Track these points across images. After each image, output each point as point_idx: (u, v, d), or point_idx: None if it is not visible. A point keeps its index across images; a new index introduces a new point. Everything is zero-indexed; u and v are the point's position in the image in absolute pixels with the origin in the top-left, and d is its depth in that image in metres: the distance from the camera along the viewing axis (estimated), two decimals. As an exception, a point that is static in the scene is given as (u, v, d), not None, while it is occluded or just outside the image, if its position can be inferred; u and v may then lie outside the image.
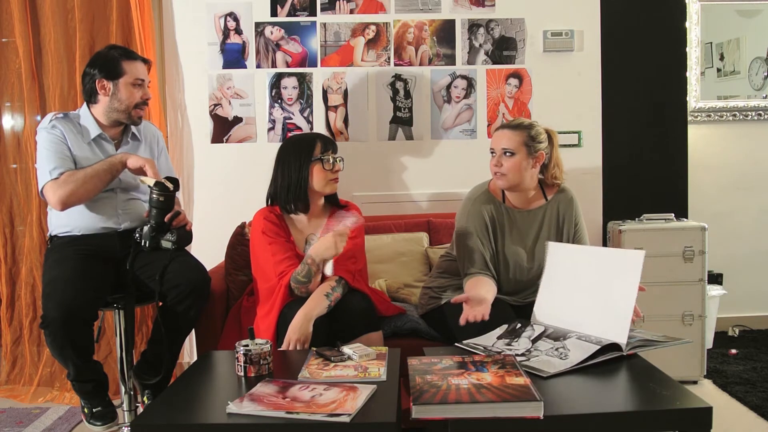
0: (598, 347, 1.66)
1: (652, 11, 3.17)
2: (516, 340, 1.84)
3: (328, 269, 2.13)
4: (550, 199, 2.27)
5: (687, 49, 3.31)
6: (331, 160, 2.23)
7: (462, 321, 1.89)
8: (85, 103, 2.31)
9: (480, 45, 3.09)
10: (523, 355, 1.73)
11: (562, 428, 1.41)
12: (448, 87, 3.10)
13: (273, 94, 3.06)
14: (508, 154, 2.14)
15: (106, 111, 2.27)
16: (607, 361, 1.66)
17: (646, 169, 3.22)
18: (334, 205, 2.36)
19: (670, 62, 3.21)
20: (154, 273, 2.14)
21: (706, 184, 3.50)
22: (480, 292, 2.01)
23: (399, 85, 3.08)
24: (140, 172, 2.20)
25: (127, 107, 2.26)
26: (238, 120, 3.07)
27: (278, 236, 2.21)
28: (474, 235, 2.18)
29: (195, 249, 2.49)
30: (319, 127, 3.07)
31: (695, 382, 2.85)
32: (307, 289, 2.09)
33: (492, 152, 2.18)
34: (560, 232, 2.25)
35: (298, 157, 2.23)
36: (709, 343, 3.13)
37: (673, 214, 2.99)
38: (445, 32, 3.08)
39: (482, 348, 1.82)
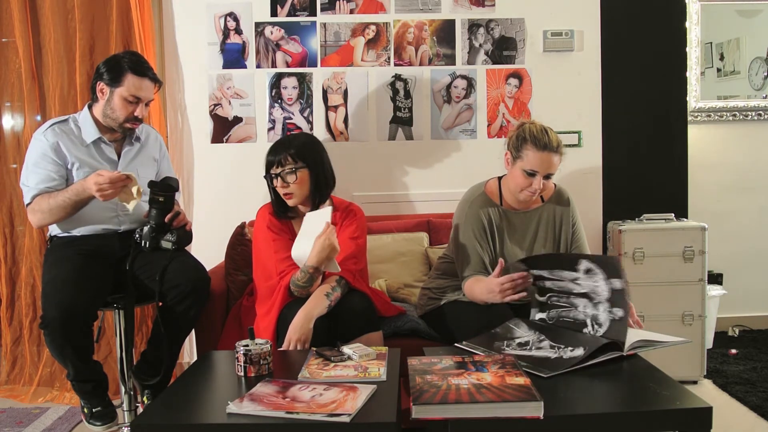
0: (599, 345, 1.66)
1: (652, 11, 3.17)
2: (515, 340, 1.84)
3: (335, 267, 2.11)
4: (547, 200, 2.27)
5: (687, 49, 3.31)
6: (275, 178, 2.17)
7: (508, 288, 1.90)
8: (87, 104, 2.31)
9: (480, 45, 3.09)
10: (524, 345, 1.74)
11: (562, 428, 1.41)
12: (448, 87, 3.10)
13: (273, 94, 3.06)
14: (549, 176, 2.13)
15: (101, 115, 2.26)
16: (607, 361, 1.66)
17: (646, 169, 3.22)
18: (321, 199, 2.28)
19: (670, 62, 3.21)
20: (154, 273, 2.14)
21: (706, 184, 3.50)
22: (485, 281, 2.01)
23: (399, 85, 3.08)
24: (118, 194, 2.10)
25: (117, 118, 2.23)
26: (238, 120, 3.07)
27: (282, 232, 2.21)
28: (472, 237, 2.18)
29: (195, 249, 2.49)
30: (319, 127, 3.07)
31: (695, 382, 2.85)
32: (308, 291, 2.09)
33: (531, 173, 2.09)
34: (558, 233, 2.25)
35: (265, 173, 2.23)
36: (709, 343, 3.13)
37: (673, 214, 2.99)
38: (445, 32, 3.08)
39: (482, 348, 1.82)
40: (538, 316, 2.00)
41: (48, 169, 2.18)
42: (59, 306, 1.97)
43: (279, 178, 2.17)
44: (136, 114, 2.23)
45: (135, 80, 2.20)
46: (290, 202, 2.21)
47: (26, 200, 2.20)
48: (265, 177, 2.21)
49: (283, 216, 2.26)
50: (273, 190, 2.24)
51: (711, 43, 3.53)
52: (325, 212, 2.11)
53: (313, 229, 2.07)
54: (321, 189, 2.25)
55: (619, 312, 1.75)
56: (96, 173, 2.07)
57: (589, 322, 1.82)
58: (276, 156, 2.18)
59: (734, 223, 3.54)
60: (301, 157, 2.18)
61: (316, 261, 2.04)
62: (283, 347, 1.98)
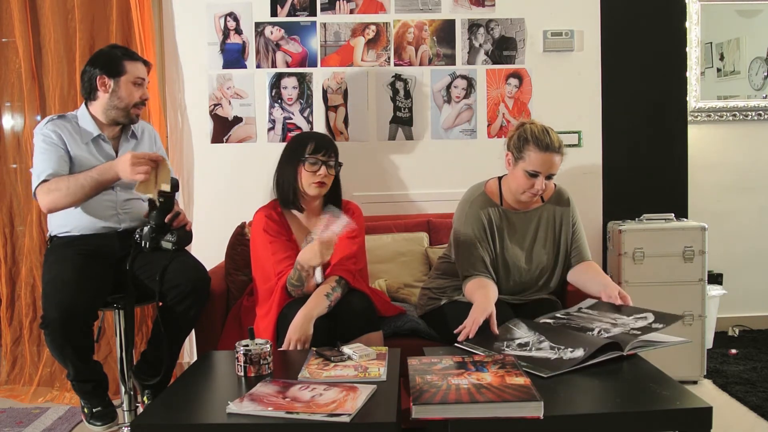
0: (599, 346, 1.66)
1: (652, 11, 3.17)
2: (515, 340, 1.84)
3: (318, 276, 2.12)
4: (547, 200, 2.27)
5: (687, 49, 3.31)
6: (317, 164, 2.18)
7: (462, 337, 1.88)
8: (83, 103, 2.31)
9: (480, 45, 3.09)
10: (524, 346, 1.74)
11: (562, 428, 1.41)
12: (448, 87, 3.10)
13: (273, 94, 3.06)
14: (550, 177, 2.13)
15: (105, 109, 2.27)
16: (607, 361, 1.66)
17: (646, 169, 3.22)
18: (334, 204, 2.32)
19: (670, 62, 3.21)
20: (154, 273, 2.14)
21: (706, 184, 3.50)
22: (487, 303, 1.97)
23: (399, 85, 3.08)
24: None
25: (127, 105, 2.26)
26: (238, 120, 3.07)
27: (279, 234, 2.21)
28: (473, 238, 2.17)
29: (195, 249, 2.49)
30: (319, 127, 3.07)
31: (695, 382, 2.85)
32: (302, 291, 2.09)
33: (534, 174, 2.09)
34: (558, 233, 2.25)
35: (291, 155, 2.24)
36: (709, 343, 3.13)
37: (673, 214, 2.99)
38: (445, 32, 3.08)
39: (482, 348, 1.82)
40: (543, 319, 2.00)
41: (59, 155, 2.19)
42: (59, 306, 1.97)
43: (324, 166, 2.19)
44: (144, 97, 2.31)
45: (133, 64, 2.28)
46: (321, 191, 2.22)
47: (40, 179, 2.15)
48: (301, 161, 2.19)
49: (292, 207, 2.26)
50: (295, 177, 2.22)
51: (711, 43, 3.53)
52: (341, 222, 2.09)
53: (324, 233, 2.07)
54: (338, 188, 2.32)
55: (636, 332, 1.75)
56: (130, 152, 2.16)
57: (596, 330, 1.82)
58: (327, 146, 2.22)
59: (734, 223, 3.54)
60: (337, 154, 2.27)
61: (301, 258, 2.06)
62: (283, 347, 1.98)
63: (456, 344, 1.89)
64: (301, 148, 2.22)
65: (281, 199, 2.27)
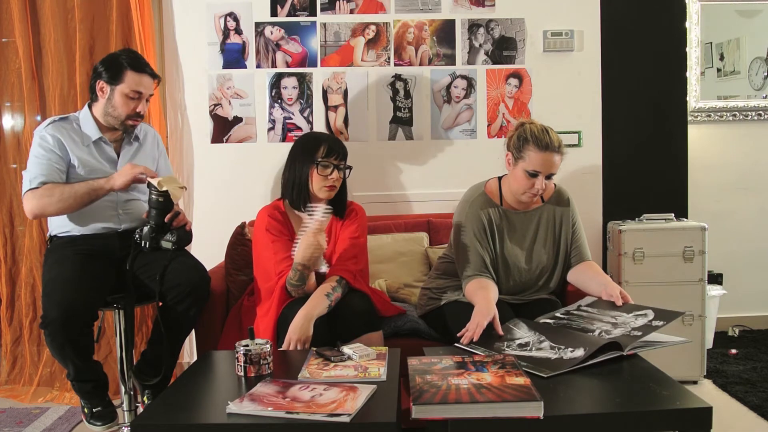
0: (598, 346, 1.66)
1: (652, 11, 3.17)
2: (515, 340, 1.84)
3: (323, 267, 2.11)
4: (547, 200, 2.27)
5: (687, 49, 3.31)
6: (330, 167, 2.20)
7: (466, 341, 1.87)
8: (87, 103, 2.31)
9: (480, 45, 3.09)
10: (524, 346, 1.74)
11: (562, 428, 1.41)
12: (448, 87, 3.10)
13: (273, 94, 3.06)
14: (550, 176, 2.13)
15: (102, 113, 2.26)
16: (607, 361, 1.66)
17: (646, 169, 3.22)
18: (339, 208, 2.32)
19: (670, 62, 3.21)
20: (154, 273, 2.14)
21: (706, 184, 3.50)
22: (489, 306, 1.96)
23: (399, 85, 3.08)
24: (135, 182, 2.18)
25: (119, 116, 2.24)
26: (238, 120, 3.07)
27: (281, 234, 2.21)
28: (472, 237, 2.18)
29: (195, 249, 2.49)
30: (319, 127, 3.07)
31: (695, 382, 2.85)
32: (303, 290, 2.09)
33: (534, 174, 2.09)
34: (558, 233, 2.25)
35: (302, 156, 2.23)
36: (709, 343, 3.13)
37: (673, 214, 2.99)
38: (445, 32, 3.08)
39: (482, 348, 1.82)
40: (543, 319, 2.00)
41: (53, 161, 2.18)
42: (60, 306, 1.97)
43: (337, 170, 2.21)
44: (138, 110, 2.25)
45: (134, 76, 2.22)
46: (331, 194, 2.23)
47: (31, 185, 2.15)
48: (314, 163, 2.19)
49: (298, 207, 2.26)
50: (306, 179, 2.21)
51: (711, 43, 3.53)
52: (320, 209, 2.09)
53: (308, 225, 2.07)
54: (344, 190, 2.31)
55: (637, 332, 1.75)
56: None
57: (597, 331, 1.82)
58: (339, 150, 2.23)
59: (734, 223, 3.54)
60: (347, 157, 2.28)
61: (301, 258, 2.05)
62: (283, 347, 1.98)
63: (456, 344, 1.89)
64: (314, 149, 2.21)
65: (291, 201, 2.27)
